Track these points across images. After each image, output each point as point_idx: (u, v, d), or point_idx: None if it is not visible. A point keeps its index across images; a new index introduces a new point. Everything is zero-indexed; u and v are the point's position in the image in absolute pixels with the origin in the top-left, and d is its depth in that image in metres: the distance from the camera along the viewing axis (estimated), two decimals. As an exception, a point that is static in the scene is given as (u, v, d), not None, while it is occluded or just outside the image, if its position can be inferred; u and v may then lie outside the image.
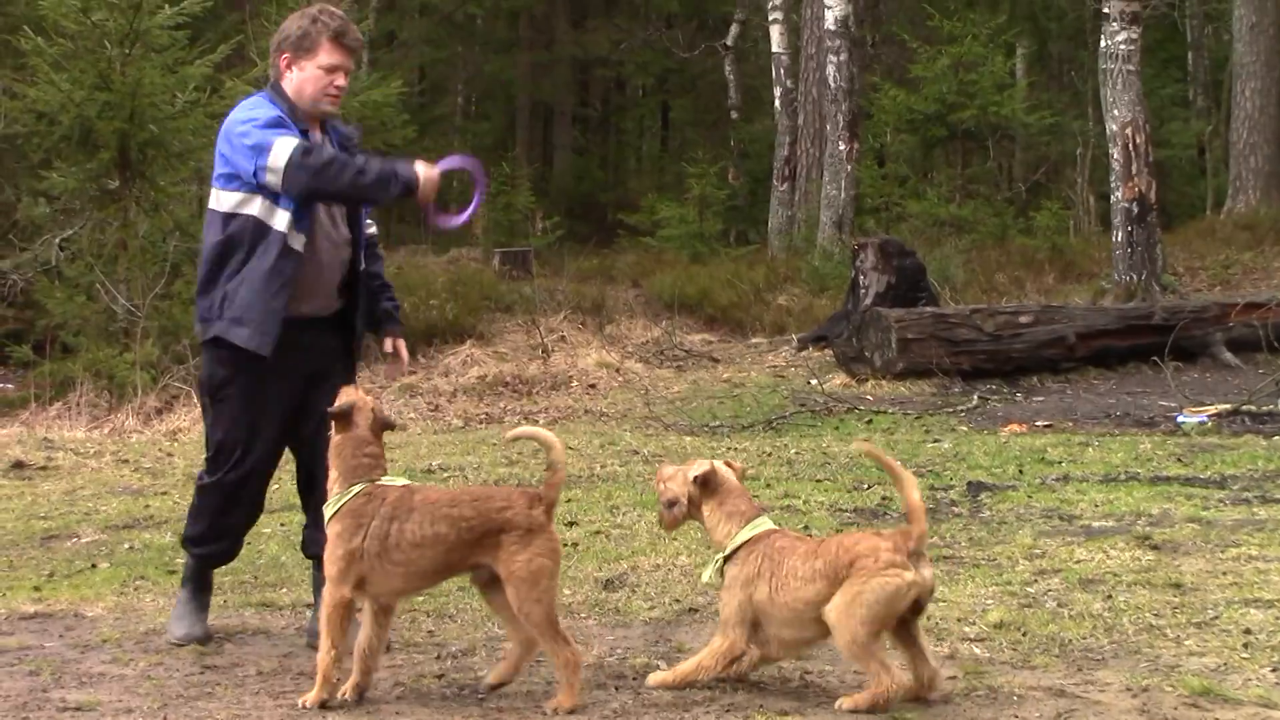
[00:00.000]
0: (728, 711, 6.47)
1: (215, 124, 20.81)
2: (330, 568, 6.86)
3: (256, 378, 7.71)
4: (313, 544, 7.91)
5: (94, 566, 10.11)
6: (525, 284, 27.32)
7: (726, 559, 6.90)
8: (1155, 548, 9.55)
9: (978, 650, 7.44)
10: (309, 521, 8.06)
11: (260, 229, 7.62)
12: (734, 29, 42.56)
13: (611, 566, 9.57)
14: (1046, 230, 29.46)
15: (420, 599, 8.75)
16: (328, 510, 6.96)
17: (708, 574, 7.03)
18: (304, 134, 7.67)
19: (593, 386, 20.62)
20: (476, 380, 20.83)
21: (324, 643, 6.75)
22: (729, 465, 7.19)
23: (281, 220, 7.59)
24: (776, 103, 35.34)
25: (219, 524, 7.97)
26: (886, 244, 22.81)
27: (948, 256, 26.37)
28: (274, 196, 7.56)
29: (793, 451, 14.43)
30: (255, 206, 7.60)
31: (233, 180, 7.62)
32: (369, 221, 8.19)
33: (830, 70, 30.41)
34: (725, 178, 38.69)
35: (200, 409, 8.28)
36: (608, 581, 9.19)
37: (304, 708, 6.69)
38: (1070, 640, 7.55)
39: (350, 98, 23.95)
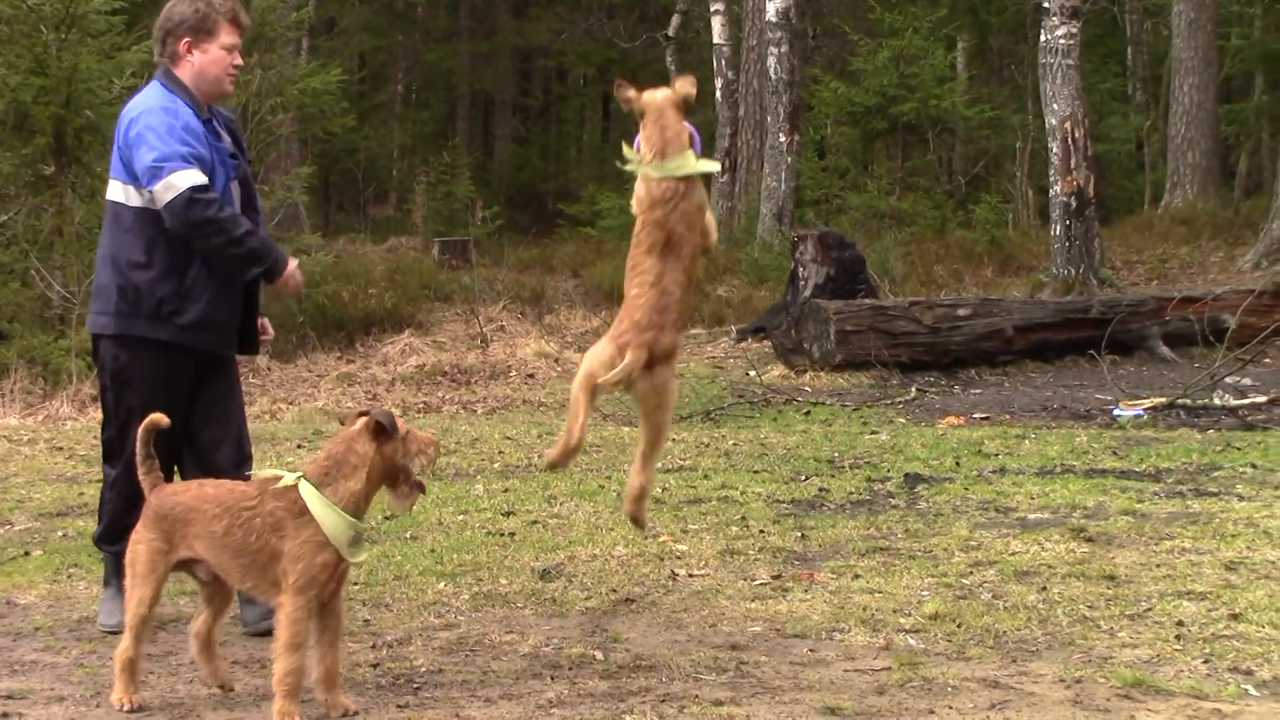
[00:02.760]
0: (663, 701, 6.47)
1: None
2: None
3: (164, 369, 7.70)
4: None
5: (27, 554, 10.05)
6: (464, 273, 27.29)
7: None
8: (1090, 540, 9.59)
9: (913, 641, 7.46)
10: None
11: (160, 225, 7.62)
12: (675, 20, 42.49)
13: (548, 556, 9.56)
14: (985, 223, 29.59)
15: (355, 588, 8.73)
16: None
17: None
18: (206, 123, 7.70)
19: (531, 376, 20.61)
20: (415, 369, 20.81)
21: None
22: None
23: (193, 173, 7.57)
24: (717, 94, 35.34)
25: (125, 517, 7.91)
26: (826, 236, 22.86)
27: (887, 249, 26.46)
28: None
29: (730, 442, 14.44)
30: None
31: (129, 176, 7.65)
32: (255, 200, 8.19)
33: (771, 62, 30.43)
34: (666, 169, 38.65)
35: (100, 395, 8.20)
36: (544, 571, 9.18)
37: None
38: (1005, 632, 7.57)
39: (289, 85, 23.88)
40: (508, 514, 10.99)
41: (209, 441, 7.84)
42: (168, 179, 7.38)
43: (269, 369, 21.15)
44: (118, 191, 7.68)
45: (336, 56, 35.75)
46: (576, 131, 54.49)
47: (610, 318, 24.31)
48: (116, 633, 7.69)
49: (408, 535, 10.36)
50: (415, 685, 6.82)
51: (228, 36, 7.77)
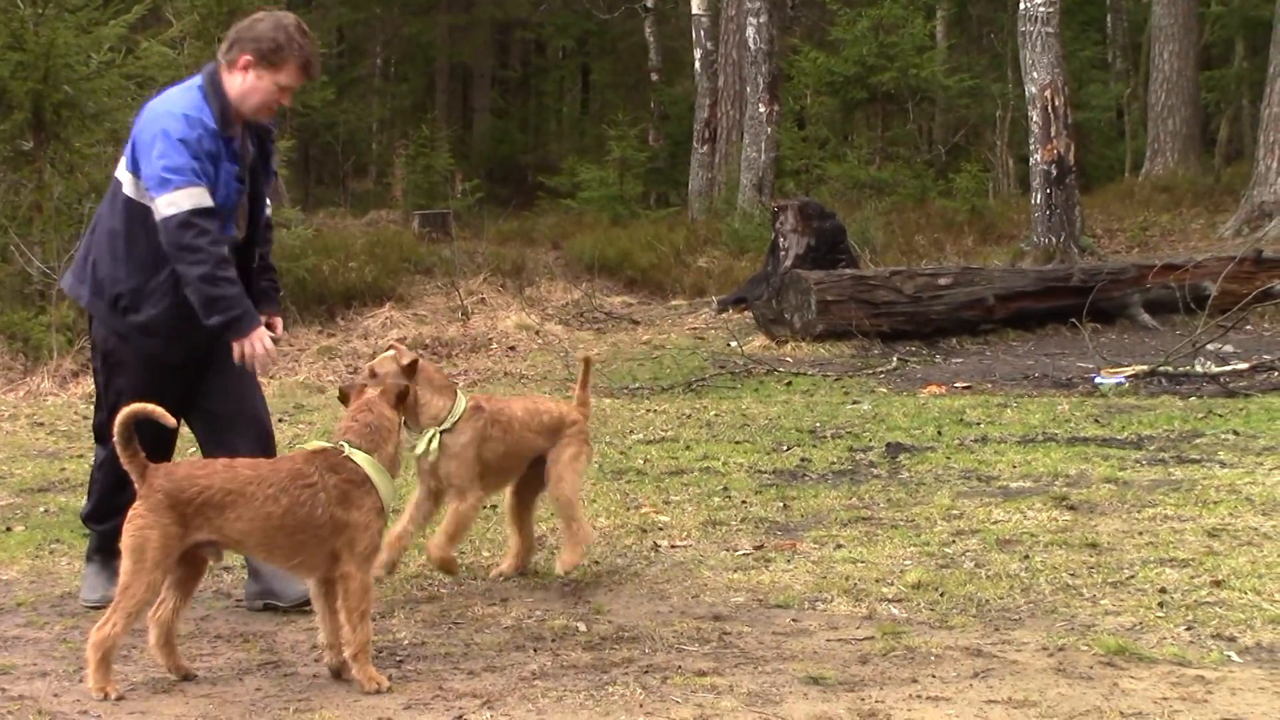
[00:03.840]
0: (646, 673, 6.48)
1: (130, 85, 20.83)
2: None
3: (159, 352, 7.67)
4: None
5: (8, 530, 10.04)
6: (445, 246, 27.21)
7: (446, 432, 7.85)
8: (1072, 508, 9.61)
9: (895, 610, 7.48)
10: None
11: (147, 214, 7.57)
12: (654, -10, 42.49)
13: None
14: (966, 192, 29.57)
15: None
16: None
17: (426, 448, 7.87)
18: (227, 141, 7.60)
19: (512, 349, 20.59)
20: (395, 342, 20.78)
21: None
22: (395, 346, 8.01)
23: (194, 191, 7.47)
24: (697, 65, 35.29)
25: (113, 497, 7.91)
26: (806, 206, 22.85)
27: (867, 219, 26.43)
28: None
29: (712, 413, 14.45)
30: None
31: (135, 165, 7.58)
32: (266, 203, 8.10)
33: (750, 32, 30.38)
34: (645, 140, 38.65)
35: (94, 373, 8.14)
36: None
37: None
38: (987, 600, 7.59)
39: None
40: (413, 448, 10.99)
41: (225, 420, 7.82)
42: (172, 194, 7.30)
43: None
44: (122, 174, 7.62)
45: (315, 30, 35.53)
46: (556, 104, 54.36)
47: (591, 289, 24.33)
48: (99, 608, 7.69)
49: (390, 509, 10.33)
50: (398, 658, 6.83)
51: (288, 78, 7.65)
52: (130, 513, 6.42)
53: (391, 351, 7.83)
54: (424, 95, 49.69)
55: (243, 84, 7.60)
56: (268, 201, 8.10)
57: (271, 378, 18.07)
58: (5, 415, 15.34)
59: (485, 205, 34.42)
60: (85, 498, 8.24)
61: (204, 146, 7.44)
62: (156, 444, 7.51)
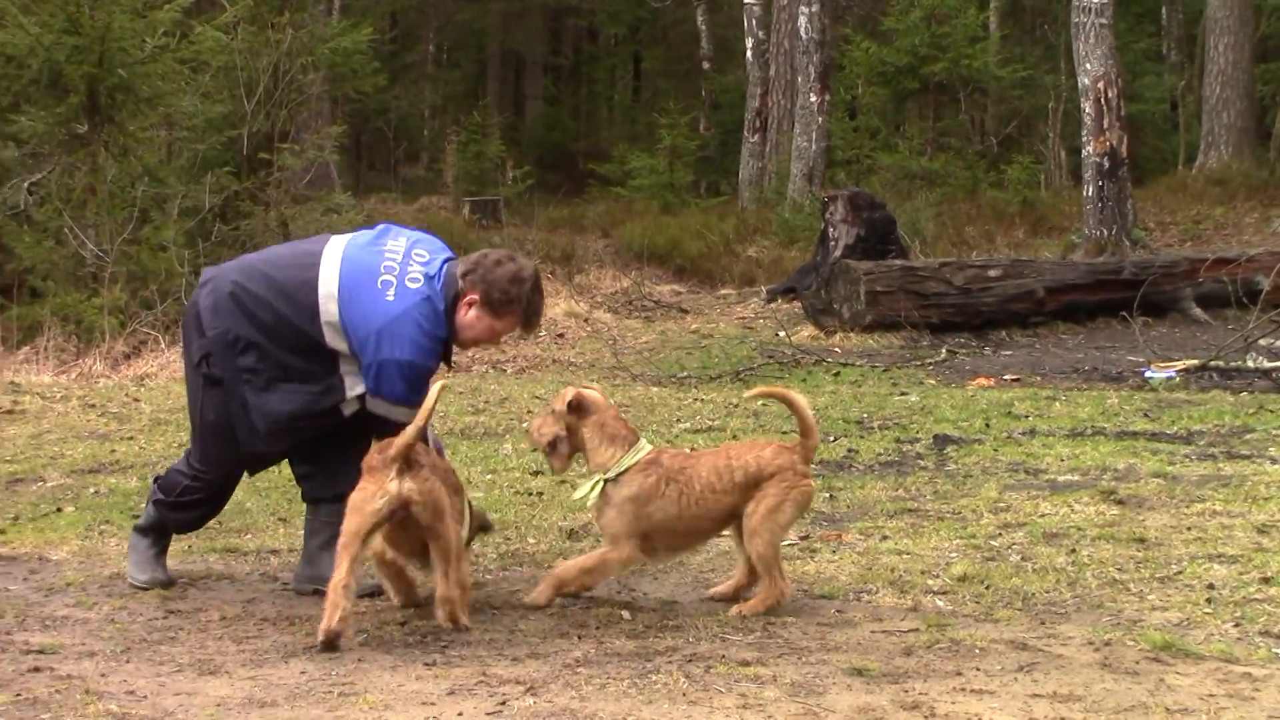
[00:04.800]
0: (690, 661, 6.48)
1: (184, 69, 20.96)
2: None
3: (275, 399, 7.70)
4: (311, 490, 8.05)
5: (59, 510, 10.09)
6: (495, 233, 27.29)
7: (611, 481, 7.37)
8: (1120, 502, 9.58)
9: (941, 603, 7.46)
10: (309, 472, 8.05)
11: (332, 372, 7.65)
12: (707, -21, 42.44)
13: (576, 516, 9.57)
14: (1017, 184, 29.49)
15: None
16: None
17: (588, 496, 7.45)
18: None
19: (561, 336, 20.61)
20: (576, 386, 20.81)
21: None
22: (590, 387, 7.63)
23: (354, 386, 7.64)
24: (748, 53, 35.25)
25: (201, 506, 7.97)
26: (856, 196, 22.82)
27: (918, 209, 26.39)
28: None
29: (759, 403, 14.43)
30: (349, 361, 7.61)
31: (354, 341, 7.52)
32: None
33: (802, 21, 30.34)
34: (696, 128, 38.64)
35: (190, 390, 8.08)
36: (571, 531, 9.21)
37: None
38: (1033, 594, 7.57)
39: (320, 44, 23.88)
40: (536, 473, 11.01)
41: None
42: (392, 408, 7.49)
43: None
44: (329, 295, 7.55)
45: (368, 16, 35.70)
46: (607, 91, 54.35)
47: (640, 277, 24.32)
48: (146, 589, 7.75)
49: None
50: (443, 644, 6.84)
51: (505, 326, 7.70)
52: None
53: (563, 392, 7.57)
54: (476, 82, 49.77)
55: (463, 319, 7.63)
56: None
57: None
58: (57, 397, 15.42)
59: (535, 192, 34.47)
60: (169, 493, 8.15)
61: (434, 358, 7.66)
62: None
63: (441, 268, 7.64)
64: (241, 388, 7.56)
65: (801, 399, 7.64)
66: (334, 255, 7.61)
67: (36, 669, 6.41)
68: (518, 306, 7.63)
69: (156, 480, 8.16)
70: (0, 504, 10.48)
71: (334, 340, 7.51)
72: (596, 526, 7.77)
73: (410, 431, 6.95)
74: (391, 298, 7.45)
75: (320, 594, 7.73)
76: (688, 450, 8.01)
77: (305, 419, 7.61)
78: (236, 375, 7.56)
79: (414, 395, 7.33)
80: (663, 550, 7.55)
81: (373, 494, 6.92)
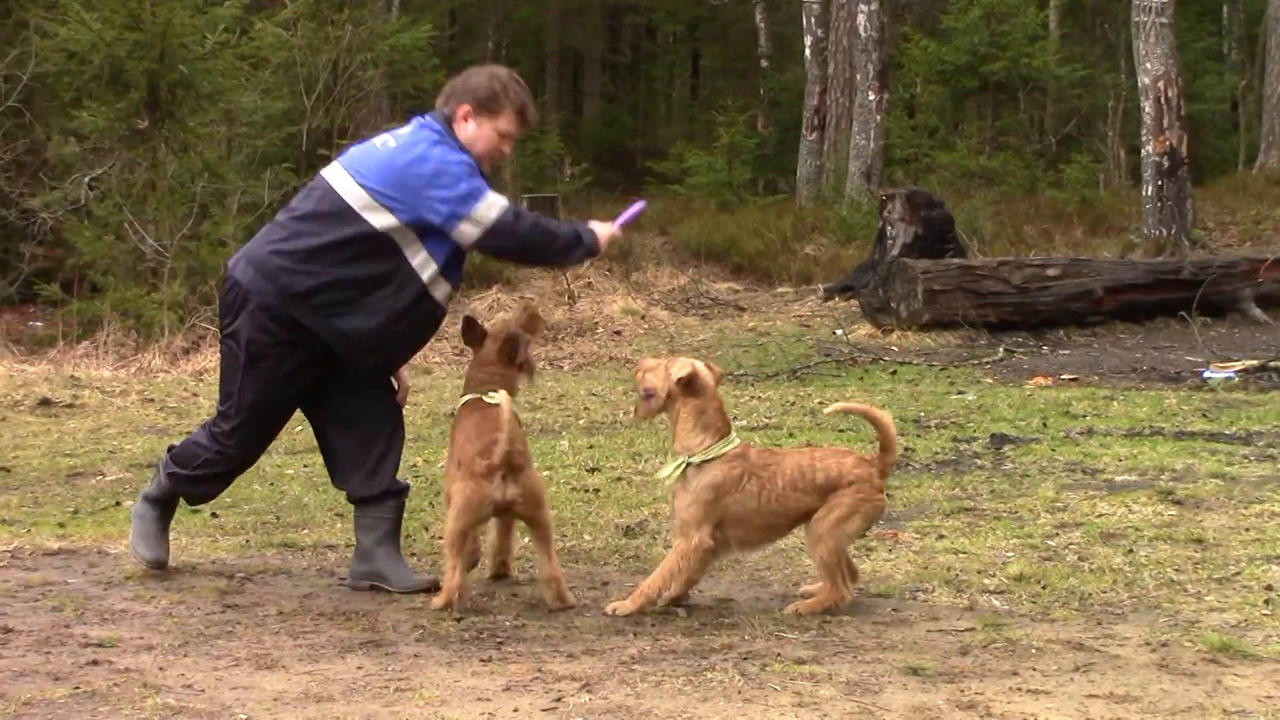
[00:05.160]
0: (745, 659, 6.48)
1: (244, 66, 21.08)
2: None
3: (297, 359, 7.77)
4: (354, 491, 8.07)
5: (118, 504, 10.15)
6: (553, 230, 27.28)
7: (693, 466, 7.29)
8: (1178, 503, 9.54)
9: (997, 602, 7.44)
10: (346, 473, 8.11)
11: (399, 264, 7.63)
12: (765, -23, 42.38)
13: (632, 513, 9.59)
14: (1076, 183, 29.37)
15: (442, 541, 8.78)
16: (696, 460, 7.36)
17: (667, 475, 7.38)
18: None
19: (618, 333, 20.64)
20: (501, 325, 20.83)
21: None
22: (709, 368, 7.47)
23: (425, 265, 7.64)
24: (807, 51, 35.19)
25: (214, 482, 8.06)
26: (914, 195, 22.77)
27: (976, 208, 26.30)
28: (424, 236, 7.62)
29: (816, 401, 14.43)
30: (404, 237, 7.59)
31: (395, 203, 7.55)
32: None
33: (861, 19, 30.31)
34: (754, 126, 38.57)
35: (222, 355, 8.20)
36: (628, 528, 9.22)
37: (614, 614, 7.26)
38: (1090, 594, 7.54)
39: (380, 40, 23.95)
40: (592, 470, 11.03)
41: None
42: (485, 203, 7.58)
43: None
44: (349, 190, 7.64)
45: (427, 12, 35.75)
46: (665, 89, 54.34)
47: (698, 275, 24.30)
48: (151, 563, 7.84)
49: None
50: (499, 640, 6.86)
51: (507, 124, 7.80)
52: None
53: (681, 362, 7.43)
54: (534, 79, 49.75)
55: (467, 133, 7.77)
56: None
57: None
58: (116, 391, 15.52)
59: (593, 189, 34.48)
60: (186, 460, 8.18)
61: (480, 175, 7.74)
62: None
63: (422, 117, 7.85)
64: (332, 323, 7.61)
65: (885, 416, 7.51)
66: (333, 169, 7.80)
67: (95, 662, 6.45)
68: (505, 98, 7.81)
69: (170, 451, 8.20)
70: (60, 498, 10.56)
71: (379, 218, 7.56)
72: (669, 510, 7.60)
73: (504, 438, 7.21)
74: (394, 142, 7.72)
75: (376, 589, 7.80)
76: (773, 448, 7.91)
77: (399, 321, 7.67)
78: (318, 314, 7.61)
79: (480, 183, 7.63)
80: (734, 544, 7.44)
81: (479, 502, 7.29)
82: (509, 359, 7.83)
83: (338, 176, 7.68)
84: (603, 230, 7.85)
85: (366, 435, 7.93)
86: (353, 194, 7.57)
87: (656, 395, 7.32)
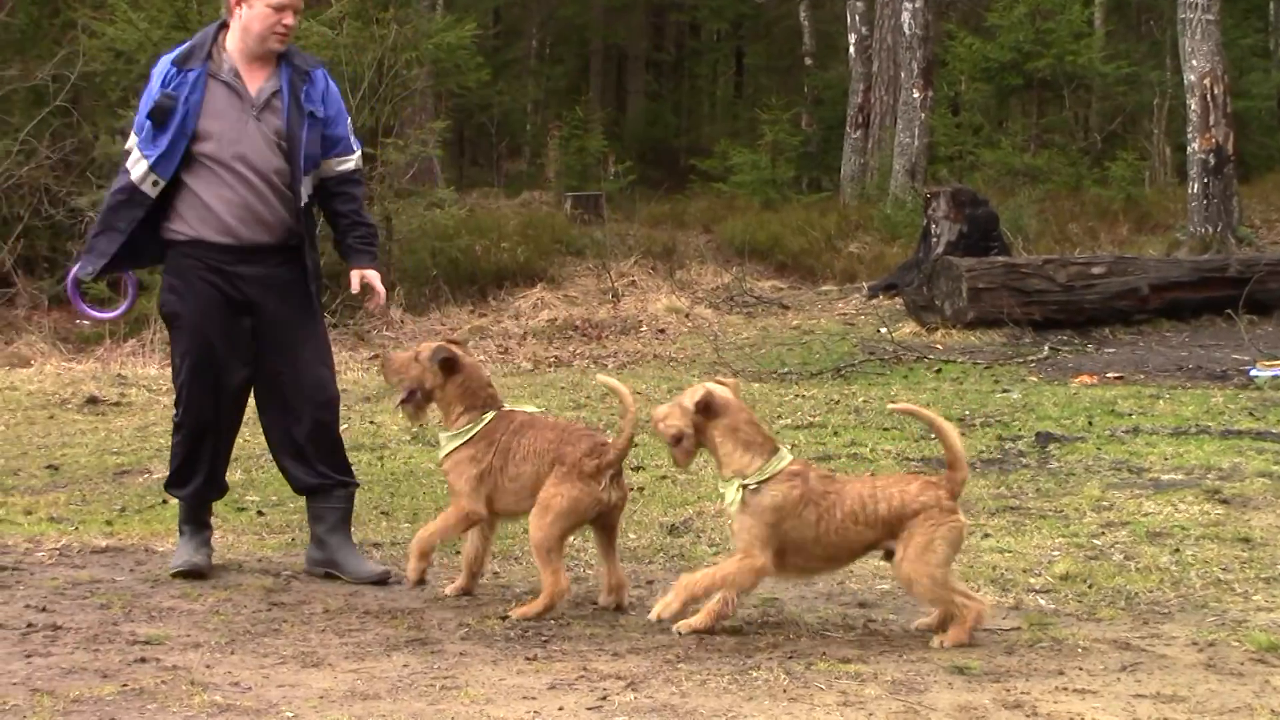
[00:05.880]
0: (790, 658, 6.48)
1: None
2: (460, 485, 7.50)
3: (205, 305, 8.00)
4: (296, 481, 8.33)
5: (164, 502, 10.19)
6: (596, 228, 27.33)
7: (749, 487, 6.90)
8: (1225, 502, 9.50)
9: (1043, 602, 7.43)
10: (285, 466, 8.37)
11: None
12: (810, -26, 42.32)
13: (676, 512, 9.60)
14: (1121, 181, 29.27)
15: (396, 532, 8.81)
16: (456, 441, 7.56)
17: (730, 499, 6.98)
18: (206, 77, 7.98)
19: (662, 331, 20.64)
20: (546, 324, 20.89)
21: (424, 535, 7.65)
22: (722, 383, 7.22)
23: (133, 155, 8.00)
24: (851, 49, 35.12)
25: (190, 462, 8.12)
26: (959, 193, 22.71)
27: (1021, 206, 26.22)
28: (138, 127, 8.00)
29: (860, 399, 14.41)
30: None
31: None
32: (347, 158, 8.29)
33: (905, 17, 30.24)
34: (798, 124, 38.55)
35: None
36: (672, 527, 9.23)
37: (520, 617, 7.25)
38: (1137, 593, 7.53)
39: (425, 39, 23.99)
40: (637, 469, 11.03)
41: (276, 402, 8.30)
42: (130, 158, 8.03)
43: (401, 321, 21.32)
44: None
45: (471, 11, 35.82)
46: (709, 87, 54.28)
47: (742, 273, 24.29)
48: (184, 574, 7.88)
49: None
50: (544, 638, 6.87)
51: None
52: None
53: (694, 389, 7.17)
54: (578, 77, 49.80)
55: (242, 19, 7.95)
56: (345, 156, 8.30)
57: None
58: (163, 389, 15.57)
59: (637, 188, 34.51)
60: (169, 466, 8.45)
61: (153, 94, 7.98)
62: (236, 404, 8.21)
63: None
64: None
65: (950, 428, 7.08)
66: None
67: (143, 659, 6.48)
68: None
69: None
70: (107, 495, 10.62)
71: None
72: (731, 534, 7.23)
73: (624, 442, 7.33)
74: None
75: (331, 577, 7.90)
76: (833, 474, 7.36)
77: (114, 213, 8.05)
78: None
79: (141, 119, 8.02)
80: (793, 570, 7.07)
81: (589, 504, 7.32)
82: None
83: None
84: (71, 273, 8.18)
85: (293, 420, 8.15)
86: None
87: (684, 435, 7.01)
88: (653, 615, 6.96)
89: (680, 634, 6.89)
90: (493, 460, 7.47)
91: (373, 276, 8.17)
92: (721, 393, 7.06)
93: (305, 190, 8.06)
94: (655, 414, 7.17)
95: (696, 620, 6.95)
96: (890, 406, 8.71)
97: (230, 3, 7.96)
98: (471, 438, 7.52)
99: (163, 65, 7.96)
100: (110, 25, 20.73)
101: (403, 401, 7.73)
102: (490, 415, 7.57)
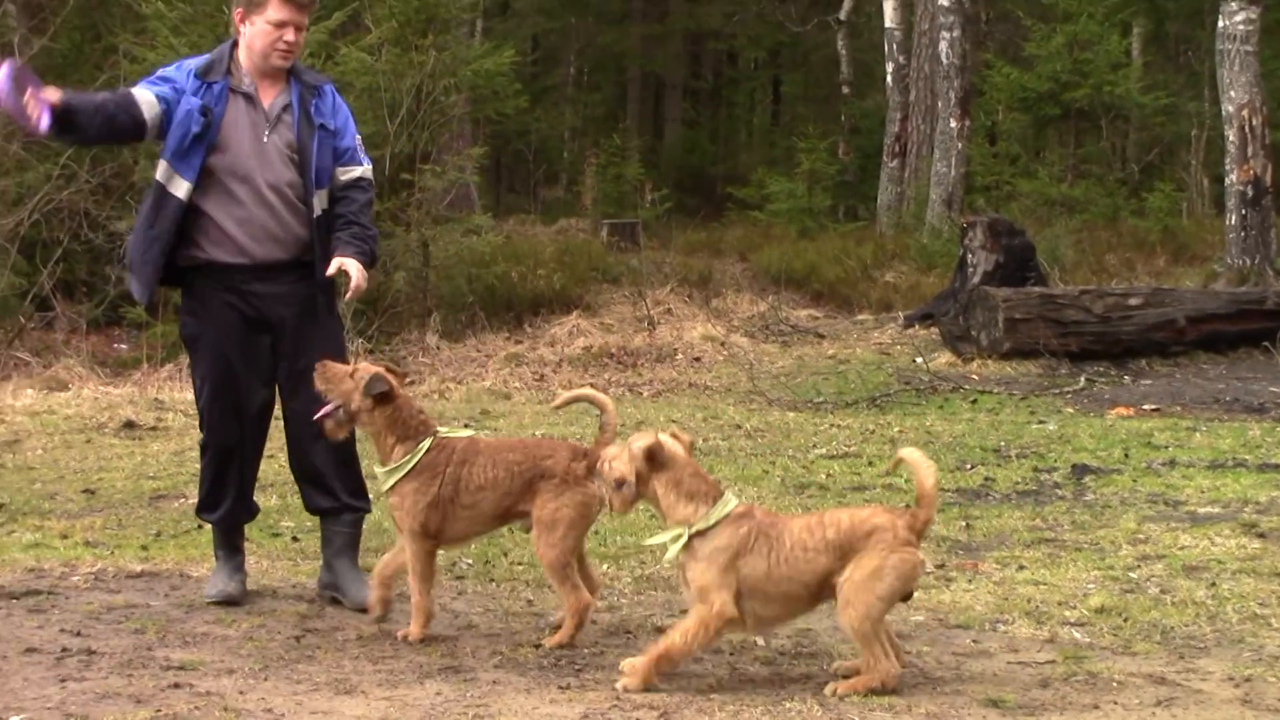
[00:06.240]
0: (823, 688, 6.47)
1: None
2: (409, 521, 7.38)
3: (225, 328, 8.04)
4: (309, 501, 8.38)
5: (200, 527, 10.20)
6: (633, 256, 27.34)
7: (698, 534, 6.64)
8: (1262, 536, 9.47)
9: (1078, 635, 7.41)
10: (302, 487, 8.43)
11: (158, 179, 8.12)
12: (847, 3, 42.28)
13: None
14: (1159, 212, 29.20)
15: (519, 568, 8.82)
16: (391, 474, 7.44)
17: (668, 550, 6.75)
18: (234, 92, 8.03)
19: (697, 360, 20.63)
20: (582, 351, 20.88)
21: (417, 587, 7.42)
22: (676, 437, 6.92)
23: (161, 166, 8.06)
24: (888, 78, 35.14)
25: (218, 485, 8.15)
26: (996, 223, 22.67)
27: (1057, 236, 26.16)
28: (160, 140, 8.02)
29: (896, 430, 14.39)
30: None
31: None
32: (353, 167, 8.29)
33: (943, 46, 30.22)
34: (835, 153, 38.52)
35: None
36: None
37: (406, 639, 7.30)
38: (1172, 627, 7.50)
39: (463, 66, 24.03)
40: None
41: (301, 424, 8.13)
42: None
43: (437, 348, 21.34)
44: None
45: (510, 38, 35.90)
46: (746, 115, 54.33)
47: (777, 301, 24.29)
48: (219, 603, 7.87)
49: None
50: (577, 666, 6.87)
51: (276, 12, 7.93)
52: None
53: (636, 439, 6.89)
54: (616, 104, 49.91)
55: (246, 37, 8.03)
56: (352, 166, 8.29)
57: (459, 383, 18.26)
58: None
59: (674, 215, 34.52)
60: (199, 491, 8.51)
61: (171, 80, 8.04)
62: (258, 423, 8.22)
63: None
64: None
65: (927, 465, 6.73)
66: None
67: (176, 685, 6.50)
68: None
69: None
70: (143, 520, 10.64)
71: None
72: (681, 585, 6.88)
73: (611, 438, 7.43)
74: None
75: (338, 603, 7.91)
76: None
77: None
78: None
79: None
80: (752, 621, 6.70)
81: (594, 507, 7.40)
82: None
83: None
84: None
85: (310, 439, 8.08)
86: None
87: (627, 482, 6.72)
88: (619, 686, 6.61)
89: (626, 690, 6.57)
90: (440, 490, 7.36)
91: (350, 264, 7.99)
92: (671, 445, 6.80)
93: (319, 204, 8.08)
94: (604, 453, 6.93)
95: (636, 676, 6.62)
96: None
97: (236, 20, 8.05)
98: (413, 468, 7.41)
99: (183, 73, 8.01)
100: (151, 50, 20.79)
101: (324, 415, 7.60)
102: (427, 443, 7.44)
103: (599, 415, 7.34)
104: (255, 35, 7.94)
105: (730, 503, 6.73)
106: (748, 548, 6.60)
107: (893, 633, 6.73)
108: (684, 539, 6.65)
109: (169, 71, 8.03)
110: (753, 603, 6.64)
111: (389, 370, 7.62)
